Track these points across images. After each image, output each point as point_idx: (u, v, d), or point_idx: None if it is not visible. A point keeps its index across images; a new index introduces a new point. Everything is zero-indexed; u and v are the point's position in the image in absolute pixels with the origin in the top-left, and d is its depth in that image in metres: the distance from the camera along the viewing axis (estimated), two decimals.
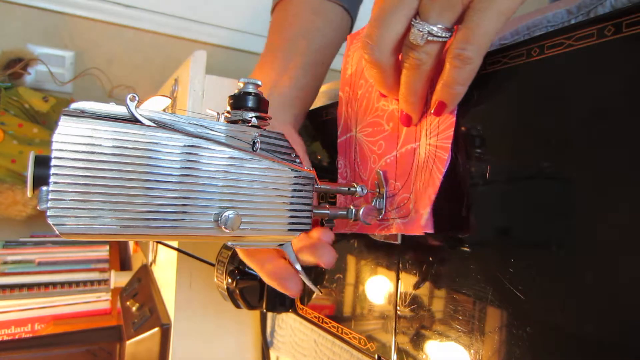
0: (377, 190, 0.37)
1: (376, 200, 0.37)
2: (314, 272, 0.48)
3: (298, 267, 0.34)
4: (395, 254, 0.37)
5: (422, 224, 0.30)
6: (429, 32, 0.26)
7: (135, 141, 0.26)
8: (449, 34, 0.27)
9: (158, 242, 0.88)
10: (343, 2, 0.55)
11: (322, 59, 0.51)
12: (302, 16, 0.52)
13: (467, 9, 0.25)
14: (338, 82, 0.58)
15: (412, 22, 0.27)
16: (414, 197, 0.33)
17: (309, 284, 0.36)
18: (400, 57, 0.30)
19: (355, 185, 0.36)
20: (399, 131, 0.35)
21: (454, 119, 0.30)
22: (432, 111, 0.30)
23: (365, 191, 0.36)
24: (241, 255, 0.39)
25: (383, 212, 0.36)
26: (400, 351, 0.35)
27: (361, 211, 0.35)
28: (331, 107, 0.47)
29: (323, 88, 0.61)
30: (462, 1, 0.25)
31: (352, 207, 0.35)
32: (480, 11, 0.25)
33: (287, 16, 0.53)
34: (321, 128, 0.49)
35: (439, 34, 0.26)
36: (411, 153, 0.34)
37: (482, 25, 0.25)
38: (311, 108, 0.51)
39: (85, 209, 0.25)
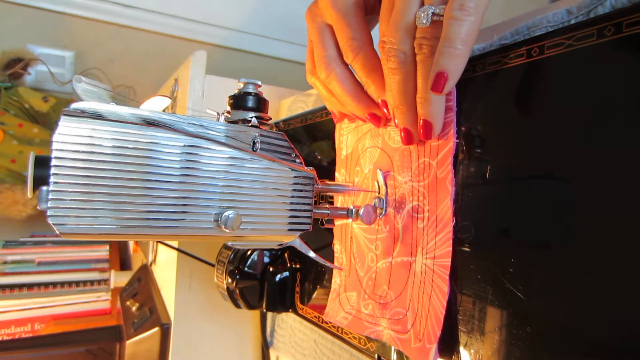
0: (377, 190, 0.37)
1: (376, 201, 0.37)
2: (314, 272, 0.48)
3: (312, 254, 0.35)
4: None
5: (430, 359, 0.30)
6: (433, 13, 0.27)
7: (135, 141, 0.26)
8: None
9: (158, 242, 0.88)
10: None
11: None
12: None
13: None
14: None
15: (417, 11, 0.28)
16: (411, 317, 0.32)
17: (327, 264, 0.37)
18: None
19: (352, 207, 0.36)
20: (394, 237, 0.35)
21: (451, 248, 0.30)
22: (431, 85, 0.27)
23: (353, 213, 0.35)
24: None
25: (383, 213, 0.36)
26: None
27: (361, 211, 0.35)
28: None
29: None
30: None
31: (352, 207, 0.35)
32: None
33: None
34: (321, 128, 0.49)
35: (442, 13, 0.27)
36: (407, 266, 0.33)
37: None
38: (311, 108, 0.51)
39: (86, 209, 0.25)
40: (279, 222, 0.31)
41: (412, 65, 0.29)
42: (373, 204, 0.36)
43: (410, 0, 0.28)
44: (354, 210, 0.35)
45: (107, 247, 1.29)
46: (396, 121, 0.32)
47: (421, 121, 0.30)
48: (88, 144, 0.25)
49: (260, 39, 1.73)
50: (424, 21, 0.27)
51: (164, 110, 0.29)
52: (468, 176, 0.30)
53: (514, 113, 0.27)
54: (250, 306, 0.52)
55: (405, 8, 0.28)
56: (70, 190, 0.24)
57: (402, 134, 0.32)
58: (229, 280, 0.51)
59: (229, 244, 0.31)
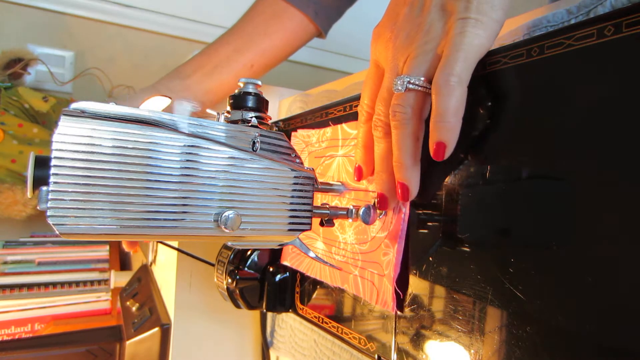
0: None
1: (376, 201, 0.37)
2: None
3: (311, 254, 0.35)
4: None
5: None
6: (408, 82, 0.29)
7: (135, 141, 0.26)
8: (426, 84, 0.29)
9: (158, 242, 0.88)
10: (307, 12, 0.69)
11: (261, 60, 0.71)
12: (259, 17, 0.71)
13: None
14: (336, 82, 0.58)
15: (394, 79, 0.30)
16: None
17: (327, 264, 0.37)
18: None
19: (351, 207, 0.36)
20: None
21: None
22: (432, 154, 0.28)
23: (353, 213, 0.35)
24: None
25: (383, 213, 0.36)
26: (400, 351, 0.35)
27: (361, 211, 0.35)
28: (332, 107, 0.47)
29: (322, 88, 0.61)
30: (435, 52, 0.28)
31: (352, 207, 0.35)
32: (453, 47, 0.27)
33: (252, 11, 0.74)
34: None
35: (417, 82, 0.29)
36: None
37: (458, 53, 0.27)
38: (311, 108, 0.51)
39: (85, 209, 0.25)
40: (279, 222, 0.31)
41: None
42: (373, 204, 0.36)
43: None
44: (353, 210, 0.35)
45: (107, 247, 1.29)
46: (375, 186, 0.34)
47: (399, 185, 0.31)
48: (88, 144, 0.25)
49: None
50: (399, 87, 0.29)
51: (164, 110, 0.29)
52: (468, 176, 0.30)
53: (514, 113, 0.27)
54: (250, 306, 0.52)
55: (393, 83, 0.30)
56: (70, 190, 0.24)
57: (378, 199, 0.34)
58: (229, 280, 0.51)
59: (229, 244, 0.31)
